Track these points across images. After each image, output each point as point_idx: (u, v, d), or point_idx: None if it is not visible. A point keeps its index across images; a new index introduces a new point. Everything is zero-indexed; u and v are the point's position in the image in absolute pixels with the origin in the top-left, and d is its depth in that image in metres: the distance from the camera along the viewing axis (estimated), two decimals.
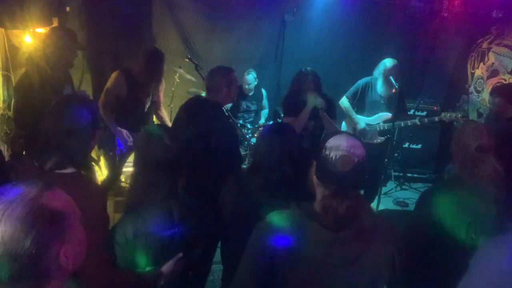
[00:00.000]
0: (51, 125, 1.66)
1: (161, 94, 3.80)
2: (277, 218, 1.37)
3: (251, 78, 4.99)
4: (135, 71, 3.39)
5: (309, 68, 3.49)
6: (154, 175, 1.68)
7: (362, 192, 4.68)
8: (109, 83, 3.42)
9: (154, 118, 3.90)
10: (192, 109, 2.75)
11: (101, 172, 3.94)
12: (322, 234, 1.28)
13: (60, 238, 0.87)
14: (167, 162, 1.68)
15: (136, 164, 1.77)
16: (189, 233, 1.74)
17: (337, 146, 1.29)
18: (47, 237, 0.84)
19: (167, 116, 4.01)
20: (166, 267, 1.67)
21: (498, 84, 5.04)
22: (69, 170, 1.65)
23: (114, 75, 3.43)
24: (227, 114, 2.85)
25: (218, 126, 2.64)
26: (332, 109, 3.57)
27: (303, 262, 1.30)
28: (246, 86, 5.00)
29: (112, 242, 1.64)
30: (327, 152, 1.30)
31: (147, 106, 3.58)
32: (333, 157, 1.28)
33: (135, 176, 1.76)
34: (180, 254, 1.70)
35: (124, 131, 3.41)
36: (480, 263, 1.26)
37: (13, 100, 3.53)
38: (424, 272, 1.88)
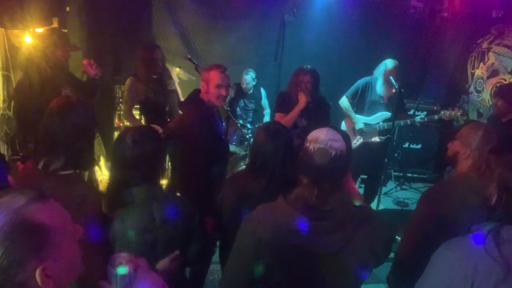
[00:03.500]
0: (55, 127, 1.65)
1: (176, 83, 3.96)
2: (264, 210, 1.40)
3: (249, 78, 4.99)
4: (138, 70, 3.52)
5: (309, 66, 3.47)
6: (127, 174, 1.65)
7: (362, 191, 4.69)
8: (125, 92, 3.62)
9: None
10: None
11: (101, 172, 3.94)
12: (305, 223, 1.30)
13: (39, 254, 0.80)
14: (135, 161, 1.64)
15: (110, 164, 1.76)
16: (175, 235, 1.71)
17: (316, 139, 1.33)
18: (22, 250, 0.78)
19: None
20: (161, 265, 1.65)
21: (498, 84, 5.04)
22: (67, 171, 1.65)
23: (127, 82, 3.58)
24: (204, 110, 2.82)
25: (187, 121, 2.72)
26: (326, 111, 3.56)
27: (290, 252, 1.32)
28: (244, 86, 5.02)
29: None
30: (307, 144, 1.34)
31: (166, 97, 3.69)
32: (312, 149, 1.32)
33: (110, 177, 1.75)
34: (177, 252, 1.68)
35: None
36: (436, 264, 1.28)
37: (13, 102, 3.53)
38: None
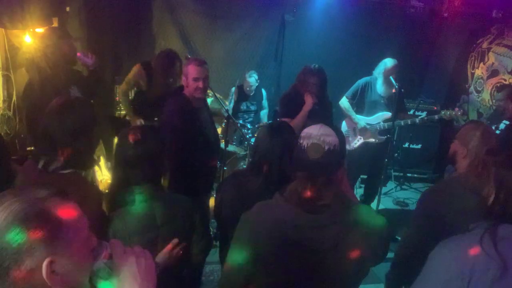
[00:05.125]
0: (54, 127, 1.65)
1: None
2: (261, 208, 1.42)
3: (253, 80, 4.96)
4: (154, 68, 3.63)
5: (316, 66, 3.44)
6: (129, 174, 1.65)
7: (362, 191, 4.69)
8: (130, 74, 3.76)
9: None
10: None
11: (101, 172, 3.94)
12: (301, 218, 1.32)
13: (50, 246, 0.82)
14: (137, 160, 1.64)
15: (112, 163, 1.77)
16: (176, 234, 1.70)
17: (309, 135, 1.37)
18: (33, 237, 0.81)
19: None
20: (160, 257, 1.64)
21: (499, 84, 5.04)
22: (68, 170, 1.65)
23: (135, 67, 3.75)
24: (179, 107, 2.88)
25: (166, 114, 2.79)
26: (328, 110, 3.56)
27: (287, 249, 1.33)
28: (248, 88, 5.00)
29: None
30: (301, 141, 1.37)
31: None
32: (305, 145, 1.35)
33: (111, 176, 1.76)
34: (176, 240, 1.67)
35: (139, 121, 3.67)
36: (433, 262, 1.29)
37: (13, 100, 3.54)
38: None
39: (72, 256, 0.87)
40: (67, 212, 0.87)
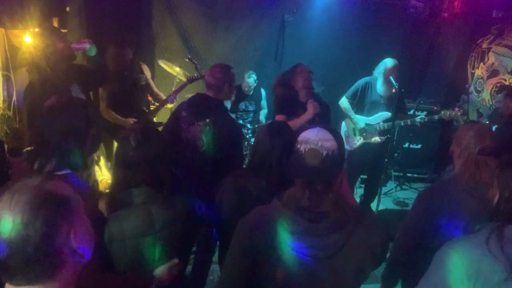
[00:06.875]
0: (46, 128, 1.64)
1: (149, 77, 3.94)
2: (259, 213, 1.39)
3: (251, 81, 4.96)
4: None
5: (304, 65, 3.54)
6: (128, 175, 1.62)
7: (362, 191, 4.67)
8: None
9: None
10: (197, 107, 2.72)
11: (101, 172, 3.94)
12: (300, 225, 1.28)
13: (68, 219, 0.89)
14: (137, 162, 1.61)
15: (112, 164, 1.75)
16: (175, 239, 1.68)
17: (306, 139, 1.31)
18: (55, 217, 0.87)
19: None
20: (159, 271, 1.62)
21: (499, 84, 5.04)
22: (63, 171, 1.64)
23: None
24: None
25: (228, 124, 2.68)
26: (327, 114, 3.56)
27: (285, 255, 1.30)
28: (246, 88, 5.00)
29: None
30: (298, 145, 1.32)
31: (137, 92, 3.71)
32: (303, 151, 1.29)
33: (112, 177, 1.74)
34: (176, 260, 1.65)
35: (130, 120, 3.60)
36: (439, 263, 1.28)
37: (13, 100, 3.53)
38: (420, 271, 1.89)
39: (83, 225, 0.95)
40: (65, 188, 0.94)
